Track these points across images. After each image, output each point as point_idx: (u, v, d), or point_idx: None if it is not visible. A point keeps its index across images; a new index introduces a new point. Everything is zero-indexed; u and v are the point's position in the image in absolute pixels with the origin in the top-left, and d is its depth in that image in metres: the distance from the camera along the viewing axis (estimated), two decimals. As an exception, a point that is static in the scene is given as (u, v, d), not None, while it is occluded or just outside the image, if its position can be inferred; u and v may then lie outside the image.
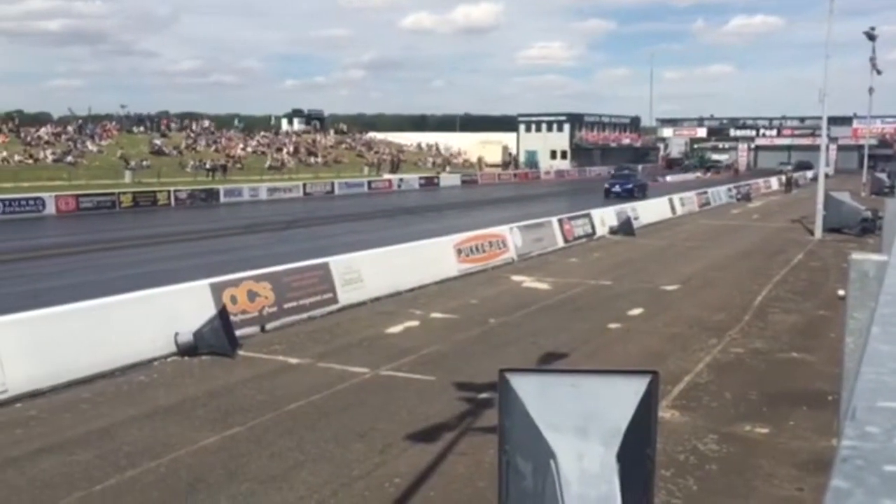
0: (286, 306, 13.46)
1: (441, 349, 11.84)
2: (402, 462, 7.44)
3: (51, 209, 37.40)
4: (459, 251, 19.01)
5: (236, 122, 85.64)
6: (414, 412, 8.85)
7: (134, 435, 8.16)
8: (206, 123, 74.77)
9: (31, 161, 50.89)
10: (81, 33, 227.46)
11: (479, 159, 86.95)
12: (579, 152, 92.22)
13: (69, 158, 53.34)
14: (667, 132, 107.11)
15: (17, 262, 21.92)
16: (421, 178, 65.19)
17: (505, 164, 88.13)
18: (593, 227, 26.82)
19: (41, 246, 25.90)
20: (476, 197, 50.88)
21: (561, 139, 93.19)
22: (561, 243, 24.14)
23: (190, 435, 8.14)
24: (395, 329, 13.21)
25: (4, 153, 50.31)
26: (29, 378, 9.43)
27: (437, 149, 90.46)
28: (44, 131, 58.29)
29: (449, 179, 67.42)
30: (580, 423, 3.68)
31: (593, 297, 16.28)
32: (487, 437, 7.24)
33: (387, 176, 66.11)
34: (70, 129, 61.42)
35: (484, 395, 9.11)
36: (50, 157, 52.53)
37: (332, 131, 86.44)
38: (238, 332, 11.80)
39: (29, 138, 55.46)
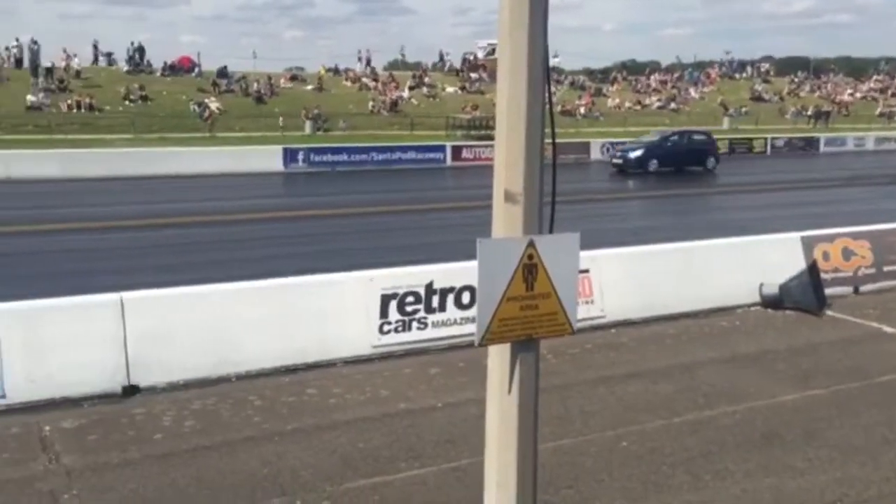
0: (886, 269, 12.23)
1: None
2: None
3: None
4: None
5: (882, 63, 77.75)
6: None
7: (712, 376, 8.38)
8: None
9: (638, 107, 54.73)
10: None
11: None
12: None
13: (672, 105, 55.92)
14: None
15: (610, 202, 24.01)
16: None
17: None
18: None
19: (626, 189, 27.92)
20: None
21: None
22: None
23: (768, 387, 8.04)
24: None
25: (617, 100, 54.99)
26: (623, 308, 10.34)
27: None
28: (653, 79, 61.95)
29: None
30: None
31: None
32: None
33: None
34: (675, 76, 64.14)
35: None
36: (655, 104, 55.78)
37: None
38: (827, 291, 11.14)
39: (639, 86, 59.57)
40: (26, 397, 7.41)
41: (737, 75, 66.01)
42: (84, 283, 10.70)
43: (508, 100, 3.06)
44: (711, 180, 30.42)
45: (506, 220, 3.12)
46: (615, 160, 33.90)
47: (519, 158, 3.07)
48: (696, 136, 35.48)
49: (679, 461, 6.37)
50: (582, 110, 50.93)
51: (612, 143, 39.67)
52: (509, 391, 3.20)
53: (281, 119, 40.59)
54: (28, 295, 8.44)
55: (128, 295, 8.01)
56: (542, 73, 3.06)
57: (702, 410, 7.44)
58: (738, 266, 11.23)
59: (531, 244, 3.14)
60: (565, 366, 8.63)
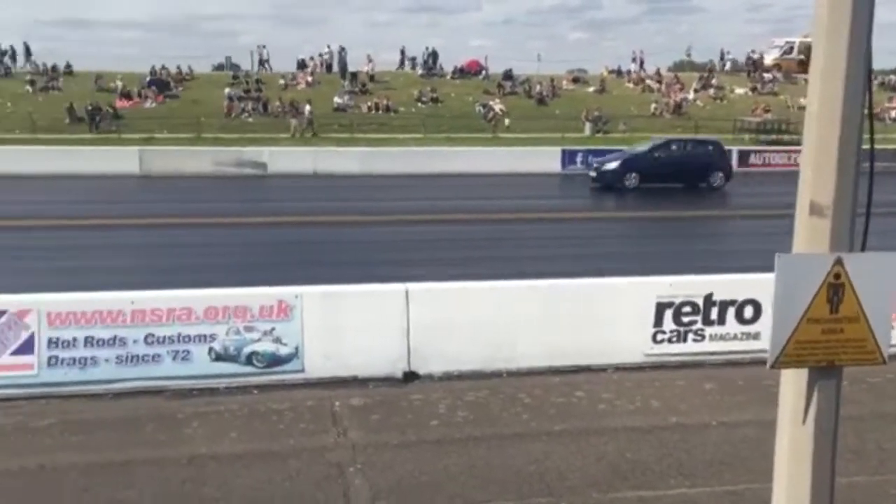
0: None
1: None
2: None
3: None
4: None
5: None
6: None
7: None
8: None
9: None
10: None
11: None
12: None
13: None
14: None
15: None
16: None
17: None
18: None
19: None
20: None
21: None
22: None
23: None
24: None
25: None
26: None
27: None
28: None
29: None
30: None
31: None
32: None
33: None
34: None
35: None
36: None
37: None
38: None
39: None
40: (322, 374, 8.14)
41: None
42: (371, 272, 11.54)
43: (821, 103, 2.80)
44: None
45: (810, 234, 2.86)
46: (591, 173, 27.28)
47: (830, 167, 2.80)
48: (697, 146, 27.87)
49: None
50: (893, 114, 45.85)
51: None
52: (804, 421, 2.93)
53: (507, 121, 40.89)
54: (322, 279, 9.26)
55: (413, 286, 8.50)
56: (863, 76, 2.77)
57: None
58: None
59: (839, 262, 2.85)
60: (862, 395, 7.81)
